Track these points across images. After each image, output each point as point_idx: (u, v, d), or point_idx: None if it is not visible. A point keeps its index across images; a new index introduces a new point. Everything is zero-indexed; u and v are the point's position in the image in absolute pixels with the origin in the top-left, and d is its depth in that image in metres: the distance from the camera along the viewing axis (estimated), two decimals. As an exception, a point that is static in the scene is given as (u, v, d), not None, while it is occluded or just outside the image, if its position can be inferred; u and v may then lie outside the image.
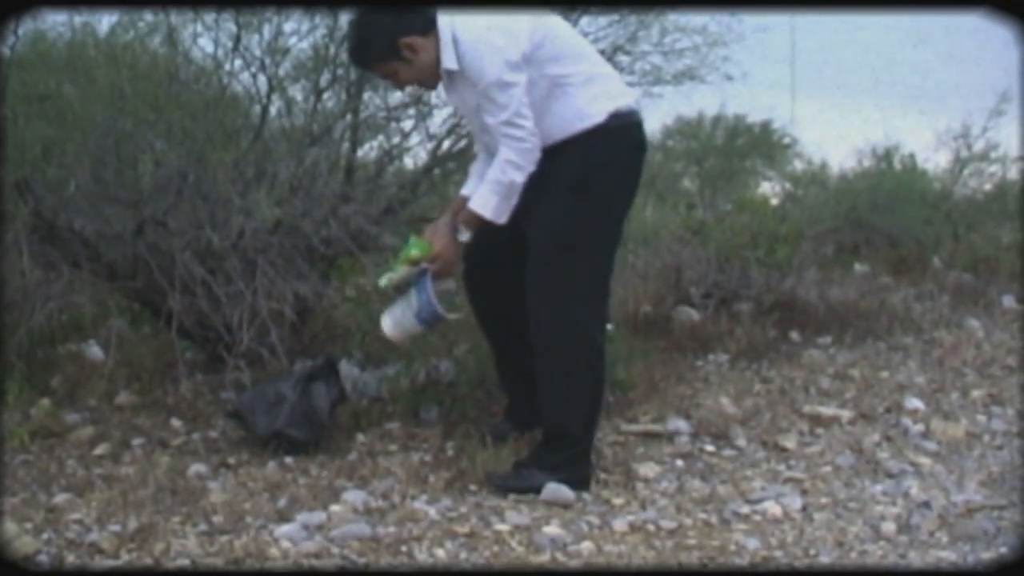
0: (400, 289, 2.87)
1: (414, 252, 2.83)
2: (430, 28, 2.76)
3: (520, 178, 2.72)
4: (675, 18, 4.28)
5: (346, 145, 3.99)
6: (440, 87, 2.92)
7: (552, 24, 2.82)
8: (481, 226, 2.78)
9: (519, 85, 2.69)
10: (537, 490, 2.78)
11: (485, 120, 2.74)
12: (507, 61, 2.68)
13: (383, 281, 2.89)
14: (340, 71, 3.87)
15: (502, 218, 2.76)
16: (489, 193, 2.74)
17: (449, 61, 2.75)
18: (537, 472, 2.82)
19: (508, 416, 3.16)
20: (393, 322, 2.89)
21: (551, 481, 2.79)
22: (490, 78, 2.68)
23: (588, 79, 2.80)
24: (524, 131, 2.70)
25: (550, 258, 2.79)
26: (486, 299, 3.06)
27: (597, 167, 2.79)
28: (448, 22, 2.76)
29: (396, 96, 3.93)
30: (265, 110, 3.75)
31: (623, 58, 4.33)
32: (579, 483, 2.84)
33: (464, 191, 2.96)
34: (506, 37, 2.70)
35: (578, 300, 2.80)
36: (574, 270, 2.79)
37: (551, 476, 2.80)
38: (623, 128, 2.82)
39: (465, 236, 2.81)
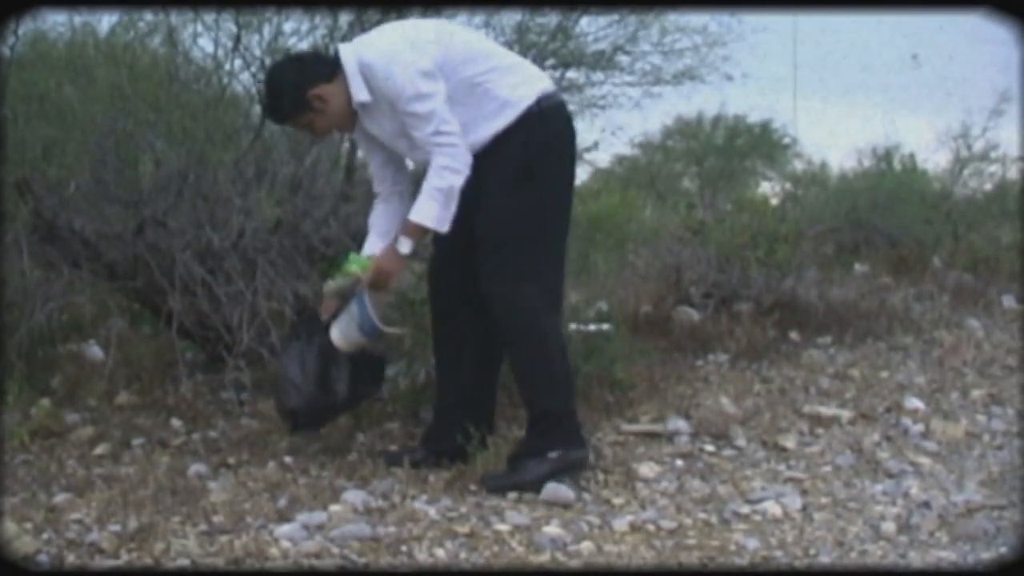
0: (343, 298, 2.87)
1: (353, 268, 2.84)
2: (336, 72, 2.77)
3: (458, 182, 2.70)
4: (675, 18, 4.29)
5: (346, 145, 3.99)
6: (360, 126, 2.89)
7: (454, 28, 2.86)
8: (422, 236, 2.78)
9: (438, 94, 2.68)
10: (535, 485, 2.77)
11: (413, 136, 2.73)
12: (420, 71, 2.68)
13: (326, 288, 2.91)
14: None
15: (444, 226, 2.72)
16: (428, 200, 2.71)
17: (360, 94, 2.75)
18: (529, 461, 2.81)
19: (424, 442, 3.07)
20: (340, 334, 2.91)
21: (544, 469, 2.78)
22: (408, 93, 2.68)
23: (504, 70, 2.80)
24: (453, 136, 2.69)
25: (500, 249, 2.78)
26: (444, 306, 3.00)
27: (538, 152, 2.79)
28: (351, 51, 2.77)
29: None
30: (265, 110, 3.75)
31: (623, 58, 4.34)
32: (573, 467, 2.83)
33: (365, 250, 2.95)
34: (413, 50, 2.70)
35: (532, 284, 2.79)
36: (525, 258, 2.78)
37: (543, 464, 2.79)
38: (553, 109, 2.82)
39: (406, 247, 2.78)
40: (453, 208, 2.72)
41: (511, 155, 2.78)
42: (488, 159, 2.77)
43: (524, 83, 2.81)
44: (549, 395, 2.85)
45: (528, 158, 2.78)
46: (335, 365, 2.97)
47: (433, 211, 2.71)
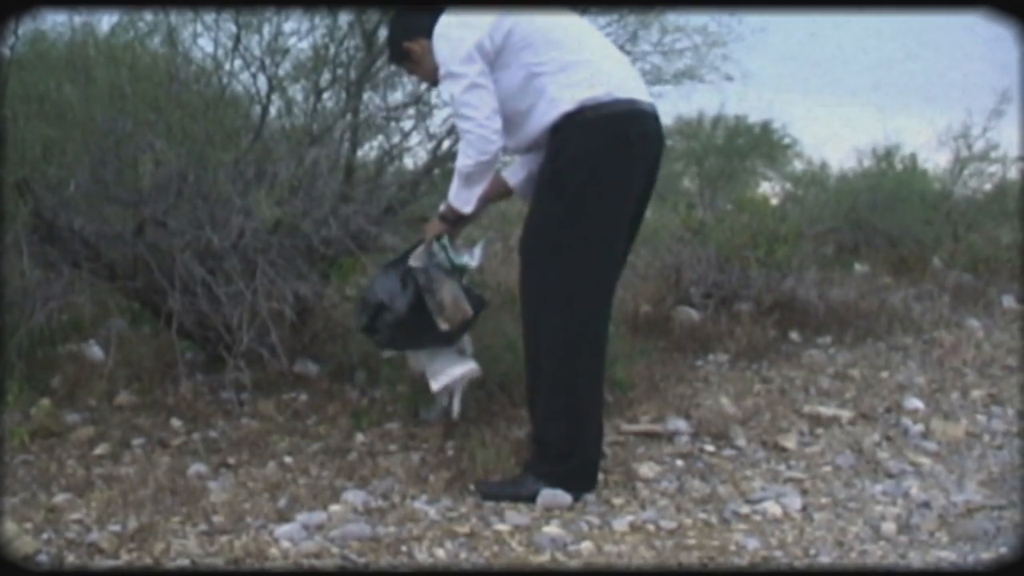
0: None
1: None
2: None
3: (467, 166, 2.69)
4: (675, 18, 4.29)
5: (346, 145, 3.99)
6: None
7: (526, 14, 2.71)
8: (448, 212, 2.80)
9: (467, 76, 2.63)
10: (531, 497, 2.76)
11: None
12: (458, 51, 2.65)
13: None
14: (340, 71, 3.87)
15: (464, 206, 2.76)
16: (453, 179, 2.77)
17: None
18: (531, 479, 2.80)
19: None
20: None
21: (538, 488, 2.75)
22: (442, 70, 2.69)
23: (562, 66, 2.67)
24: (471, 122, 2.64)
25: (528, 260, 2.74)
26: None
27: (569, 163, 2.66)
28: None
29: (396, 96, 3.94)
30: (265, 110, 3.76)
31: (623, 58, 4.33)
32: (579, 489, 2.81)
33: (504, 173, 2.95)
34: (462, 29, 2.67)
35: (556, 307, 2.69)
36: (550, 276, 2.68)
37: (539, 483, 2.77)
38: (601, 119, 2.65)
39: (441, 208, 2.84)
40: (475, 191, 2.74)
41: (546, 159, 2.72)
42: (538, 160, 2.78)
43: (579, 84, 2.66)
44: (549, 431, 2.77)
45: (558, 168, 2.68)
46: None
47: (453, 188, 2.76)
